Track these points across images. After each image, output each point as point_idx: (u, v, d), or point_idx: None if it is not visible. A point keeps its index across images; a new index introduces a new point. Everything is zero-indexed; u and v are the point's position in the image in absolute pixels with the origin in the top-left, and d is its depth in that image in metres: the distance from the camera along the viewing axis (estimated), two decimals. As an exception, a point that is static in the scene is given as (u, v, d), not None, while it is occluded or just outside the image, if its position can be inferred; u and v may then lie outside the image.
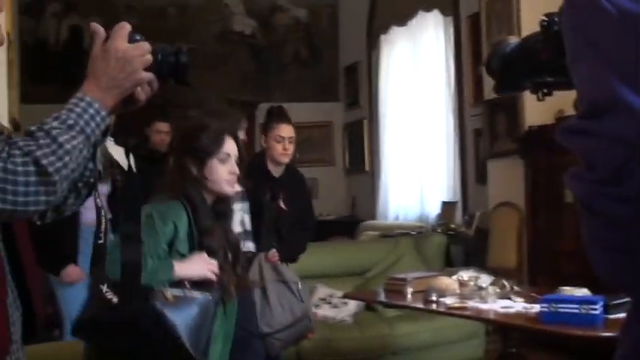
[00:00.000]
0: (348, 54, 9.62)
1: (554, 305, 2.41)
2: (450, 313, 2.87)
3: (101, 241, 1.39)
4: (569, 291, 2.77)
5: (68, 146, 1.22)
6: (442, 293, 3.09)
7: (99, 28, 1.38)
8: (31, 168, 1.18)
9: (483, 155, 6.60)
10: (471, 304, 2.90)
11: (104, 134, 1.34)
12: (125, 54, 1.32)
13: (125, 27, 1.38)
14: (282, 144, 3.73)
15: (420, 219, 7.61)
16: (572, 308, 2.37)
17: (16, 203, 1.17)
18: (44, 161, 1.19)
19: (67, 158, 1.21)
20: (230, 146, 2.28)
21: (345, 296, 3.79)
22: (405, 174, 8.13)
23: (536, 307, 2.73)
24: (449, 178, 7.30)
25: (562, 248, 5.13)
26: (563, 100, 5.42)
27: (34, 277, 1.37)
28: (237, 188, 2.38)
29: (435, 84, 7.48)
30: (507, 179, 5.91)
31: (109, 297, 1.47)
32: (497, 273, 4.93)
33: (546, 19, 1.27)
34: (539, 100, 1.31)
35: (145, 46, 1.35)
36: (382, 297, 3.44)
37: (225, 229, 2.29)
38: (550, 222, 5.26)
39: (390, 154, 8.49)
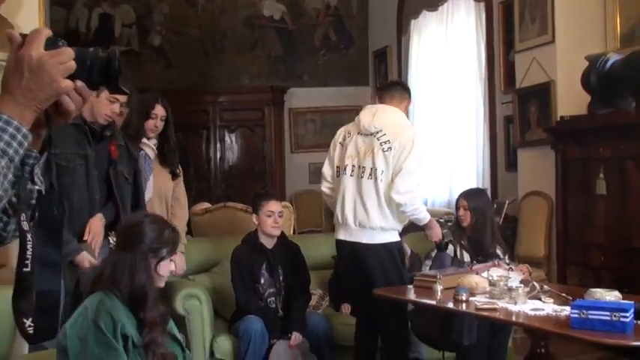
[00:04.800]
0: (378, 38, 9.57)
1: (584, 312, 2.41)
2: (480, 314, 2.89)
3: (27, 269, 1.29)
4: (599, 293, 2.76)
5: None
6: (472, 292, 3.10)
7: (14, 35, 1.22)
8: None
9: (514, 143, 6.56)
10: (500, 304, 2.91)
11: (42, 151, 1.25)
12: (40, 62, 1.18)
13: (42, 33, 1.22)
14: (273, 218, 4.19)
15: (448, 205, 7.58)
16: (602, 315, 2.36)
17: None
18: None
19: None
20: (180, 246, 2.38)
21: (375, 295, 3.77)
22: (433, 160, 8.10)
23: (566, 310, 2.72)
24: (478, 165, 7.26)
25: (592, 239, 5.11)
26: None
27: None
28: None
29: (465, 70, 7.42)
30: (538, 168, 5.88)
31: (30, 331, 1.39)
32: (526, 262, 4.92)
33: None
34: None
35: (67, 52, 1.20)
36: (412, 295, 3.45)
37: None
38: (580, 212, 5.24)
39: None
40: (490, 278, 3.14)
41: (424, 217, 3.98)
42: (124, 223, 2.49)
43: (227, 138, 9.48)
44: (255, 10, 9.68)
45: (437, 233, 4.12)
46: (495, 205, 6.56)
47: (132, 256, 2.24)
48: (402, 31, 8.76)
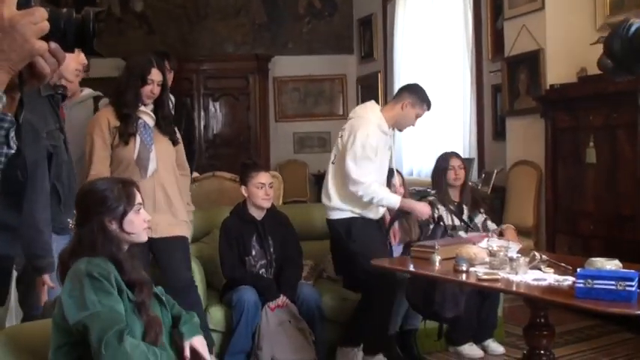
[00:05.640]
0: (362, 6, 9.48)
1: (589, 281, 2.40)
2: (481, 285, 2.88)
3: None
4: (600, 262, 2.77)
5: None
6: (471, 262, 3.10)
7: None
8: None
9: (501, 112, 6.55)
10: (502, 275, 2.90)
11: (16, 114, 1.22)
12: (12, 22, 1.13)
13: None
14: (264, 190, 4.15)
15: (435, 175, 7.59)
16: (608, 284, 2.36)
17: None
18: None
19: None
20: (139, 196, 2.32)
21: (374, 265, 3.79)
22: (419, 129, 8.06)
23: (568, 279, 2.72)
24: (465, 135, 7.25)
25: (581, 208, 5.13)
26: (585, 59, 5.36)
27: None
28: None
29: (452, 38, 7.37)
30: (526, 137, 5.88)
31: None
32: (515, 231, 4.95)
33: None
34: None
35: (39, 12, 1.15)
36: (411, 266, 3.44)
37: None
38: (570, 182, 5.25)
39: (404, 109, 8.41)
40: (490, 248, 3.14)
41: (390, 202, 4.08)
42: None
43: (211, 106, 9.38)
44: (239, -23, 9.54)
45: (421, 211, 4.14)
46: (484, 175, 6.59)
47: (88, 229, 2.22)
48: (387, -2, 8.67)
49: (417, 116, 4.21)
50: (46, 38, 1.16)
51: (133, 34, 9.31)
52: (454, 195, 4.56)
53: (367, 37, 9.40)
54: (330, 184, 4.19)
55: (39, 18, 1.15)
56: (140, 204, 2.29)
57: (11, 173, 1.28)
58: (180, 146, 3.88)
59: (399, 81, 8.46)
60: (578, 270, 2.57)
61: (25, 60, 1.16)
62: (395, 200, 4.07)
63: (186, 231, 3.81)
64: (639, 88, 4.54)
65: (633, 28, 1.32)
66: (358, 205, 4.12)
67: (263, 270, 4.17)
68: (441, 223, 4.28)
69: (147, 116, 3.67)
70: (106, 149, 3.62)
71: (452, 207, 4.50)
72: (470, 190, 4.64)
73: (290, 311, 4.03)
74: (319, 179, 9.34)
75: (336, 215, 4.18)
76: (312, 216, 4.83)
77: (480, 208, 4.57)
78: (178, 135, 3.89)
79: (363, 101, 9.43)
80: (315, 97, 10.00)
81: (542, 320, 2.92)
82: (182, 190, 3.83)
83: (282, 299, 4.01)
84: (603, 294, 2.37)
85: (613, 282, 2.38)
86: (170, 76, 4.64)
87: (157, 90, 3.65)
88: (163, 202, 3.66)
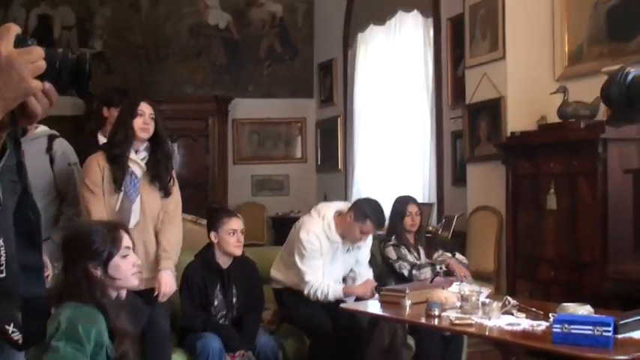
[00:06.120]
0: (323, 51, 9.57)
1: (567, 326, 2.40)
2: (455, 329, 2.86)
3: (2, 275, 1.25)
4: (572, 307, 2.78)
5: None
6: (442, 307, 3.08)
7: None
8: None
9: (461, 158, 6.63)
10: (475, 319, 2.89)
11: (1, 153, 1.22)
12: (9, 60, 1.13)
13: (11, 29, 1.17)
14: (236, 236, 3.99)
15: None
16: (585, 330, 2.37)
17: None
18: None
19: None
20: (127, 239, 2.26)
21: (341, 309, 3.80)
22: (378, 174, 8.13)
23: (542, 324, 2.73)
24: (425, 180, 7.31)
25: (542, 254, 5.17)
26: (546, 107, 5.49)
27: None
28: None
29: (412, 85, 7.48)
30: (487, 183, 5.94)
31: (16, 338, 1.29)
32: (476, 276, 5.03)
33: None
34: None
35: (36, 51, 1.16)
36: (380, 310, 3.41)
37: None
38: (530, 228, 5.30)
39: (363, 153, 8.48)
40: (462, 293, 3.13)
41: (334, 295, 4.15)
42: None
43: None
44: (200, 19, 9.55)
45: (364, 292, 4.18)
46: (444, 220, 6.63)
47: (73, 275, 2.15)
48: (348, 44, 8.77)
49: (362, 231, 4.20)
50: (40, 78, 1.15)
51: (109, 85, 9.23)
52: (410, 238, 4.80)
53: (327, 81, 9.48)
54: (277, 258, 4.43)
55: (36, 57, 1.15)
56: (128, 247, 2.23)
57: (23, 213, 1.27)
58: (173, 198, 3.67)
59: (359, 125, 8.55)
60: (556, 315, 2.57)
61: (19, 99, 1.15)
62: (334, 293, 4.13)
63: None
64: (599, 136, 4.66)
65: (630, 77, 1.34)
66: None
67: (223, 319, 4.08)
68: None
69: (135, 165, 3.53)
70: (100, 198, 3.50)
71: (412, 249, 4.75)
72: (424, 233, 4.96)
73: None
74: (277, 222, 9.31)
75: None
76: (273, 260, 4.74)
77: (435, 248, 4.87)
78: (172, 183, 3.68)
79: (322, 145, 9.60)
80: (274, 140, 10.01)
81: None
82: (169, 240, 3.62)
83: (240, 354, 3.94)
84: (580, 339, 2.38)
85: (590, 327, 2.38)
86: None
87: (150, 123, 3.50)
88: (143, 255, 3.40)
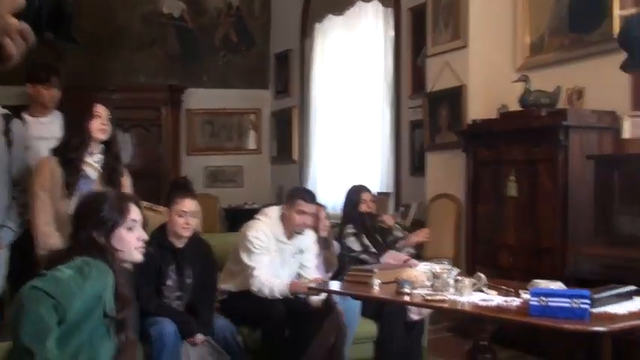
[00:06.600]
0: (280, 41, 9.49)
1: (544, 299, 2.39)
2: (428, 305, 2.82)
3: None
4: (544, 283, 2.77)
5: None
6: (413, 285, 3.04)
7: None
8: None
9: (420, 147, 6.63)
10: (448, 296, 2.86)
11: None
12: None
13: None
14: (184, 218, 3.91)
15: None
16: (562, 302, 2.35)
17: None
18: None
19: None
20: (135, 213, 2.22)
21: (311, 288, 3.76)
22: (335, 164, 8.09)
23: (515, 301, 2.71)
24: (382, 170, 7.30)
25: (501, 241, 5.19)
26: (507, 96, 5.52)
27: None
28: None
29: (371, 75, 7.46)
30: (447, 171, 5.95)
31: None
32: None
33: None
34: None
35: None
36: (347, 289, 3.36)
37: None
38: (490, 215, 5.32)
39: (320, 144, 8.43)
40: (433, 270, 3.09)
41: (280, 291, 4.10)
42: None
43: (121, 137, 9.09)
44: (154, 7, 9.37)
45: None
46: (402, 208, 6.62)
47: (77, 242, 2.08)
48: (305, 34, 8.72)
49: (300, 212, 4.22)
50: (17, 17, 1.05)
51: (40, 60, 8.93)
52: (368, 223, 4.84)
53: (283, 72, 9.40)
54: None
55: None
56: (135, 221, 2.15)
57: None
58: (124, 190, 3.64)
59: (316, 117, 8.50)
60: (532, 288, 2.56)
61: None
62: (279, 289, 4.10)
63: None
64: (560, 123, 4.70)
65: None
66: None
67: (178, 302, 3.97)
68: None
69: (90, 168, 3.50)
70: (47, 204, 3.46)
71: (369, 235, 4.79)
72: (379, 221, 4.97)
73: (211, 347, 3.86)
74: (230, 214, 9.19)
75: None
76: (227, 245, 4.64)
77: (390, 232, 4.93)
78: (126, 178, 3.68)
79: (277, 136, 9.52)
80: (228, 131, 9.89)
81: (486, 343, 2.89)
82: None
83: (199, 338, 3.83)
84: (558, 312, 2.37)
85: (568, 300, 2.37)
86: (55, 94, 4.44)
87: (107, 123, 3.50)
88: None
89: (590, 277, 4.11)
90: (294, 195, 4.31)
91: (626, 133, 4.62)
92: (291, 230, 4.26)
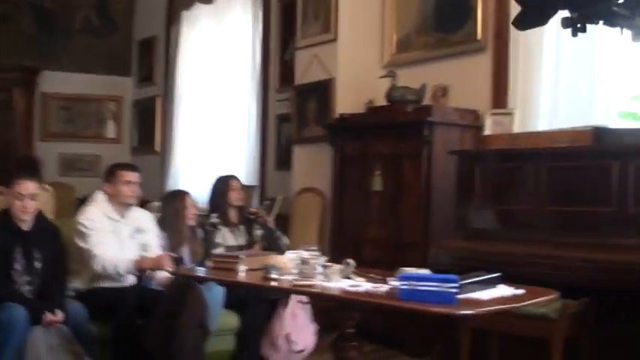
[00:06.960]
0: (144, 27, 9.18)
1: (413, 283, 2.39)
2: (297, 290, 2.76)
3: None
4: (412, 271, 2.77)
5: None
6: (281, 272, 2.97)
7: None
8: None
9: (286, 141, 6.59)
10: (316, 282, 2.81)
11: None
12: None
13: None
14: (22, 202, 3.78)
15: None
16: (431, 286, 2.36)
17: None
18: None
19: None
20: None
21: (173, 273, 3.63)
22: (199, 156, 7.91)
23: (384, 287, 2.70)
24: (248, 163, 7.20)
25: (366, 235, 5.22)
26: (374, 91, 5.57)
27: None
28: None
29: (239, 67, 7.34)
30: (314, 165, 5.94)
31: None
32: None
33: None
34: (573, 36, 1.22)
35: None
36: (210, 274, 3.24)
37: None
38: (355, 208, 5.34)
39: (184, 136, 8.22)
40: (301, 257, 3.03)
41: (124, 268, 4.04)
42: None
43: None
44: (7, -19, 8.80)
45: (156, 263, 4.06)
46: (267, 202, 6.54)
47: None
48: (171, 21, 8.49)
49: (126, 183, 4.19)
50: None
51: None
52: (233, 217, 4.79)
53: (147, 59, 9.10)
54: None
55: None
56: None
57: None
58: None
59: (180, 107, 8.27)
60: (402, 273, 2.55)
61: None
62: (129, 264, 4.03)
63: None
64: (425, 119, 4.79)
65: None
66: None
67: (27, 287, 3.73)
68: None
69: None
70: None
71: (233, 227, 4.75)
72: (246, 213, 4.89)
73: (60, 334, 3.64)
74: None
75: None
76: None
77: (256, 225, 4.81)
78: None
79: (138, 126, 9.19)
80: (86, 118, 9.45)
81: (353, 330, 2.86)
82: None
83: (49, 317, 3.60)
84: (427, 296, 2.37)
85: (436, 284, 2.37)
86: None
87: None
88: None
89: (449, 269, 4.19)
90: (113, 170, 4.26)
91: (487, 129, 4.77)
92: (122, 205, 4.19)
